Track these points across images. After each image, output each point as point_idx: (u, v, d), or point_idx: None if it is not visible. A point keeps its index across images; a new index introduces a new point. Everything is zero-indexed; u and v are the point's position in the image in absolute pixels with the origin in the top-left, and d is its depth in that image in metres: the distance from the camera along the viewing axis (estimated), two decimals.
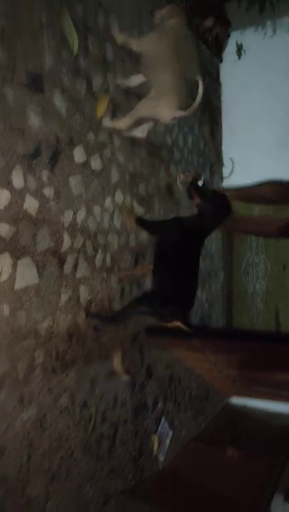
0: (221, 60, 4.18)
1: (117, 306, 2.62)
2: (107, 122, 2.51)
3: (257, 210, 4.13)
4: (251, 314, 5.48)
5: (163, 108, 2.42)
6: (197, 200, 2.37)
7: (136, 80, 2.66)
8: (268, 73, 4.05)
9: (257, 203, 3.91)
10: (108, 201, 2.52)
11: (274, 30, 4.03)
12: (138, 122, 2.60)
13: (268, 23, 4.03)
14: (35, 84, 1.99)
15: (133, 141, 2.82)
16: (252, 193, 3.42)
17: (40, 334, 2.02)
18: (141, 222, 2.63)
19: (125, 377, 2.66)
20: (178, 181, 3.35)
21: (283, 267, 6.73)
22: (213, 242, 4.08)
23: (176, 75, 2.42)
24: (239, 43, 4.16)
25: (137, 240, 2.81)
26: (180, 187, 3.37)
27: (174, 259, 2.32)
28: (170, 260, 2.32)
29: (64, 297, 2.16)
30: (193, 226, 2.38)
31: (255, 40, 4.14)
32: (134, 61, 2.76)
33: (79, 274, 2.27)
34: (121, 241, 2.65)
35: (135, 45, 2.56)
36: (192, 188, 2.41)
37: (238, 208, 4.30)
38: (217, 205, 2.37)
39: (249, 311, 5.43)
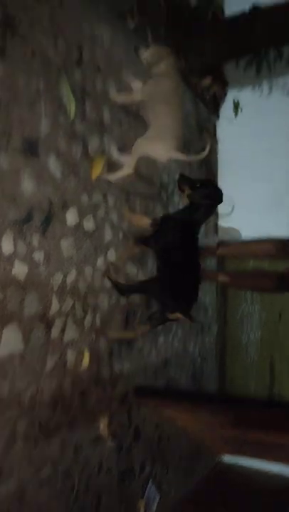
0: (218, 117, 4.26)
1: (106, 366, 2.56)
2: (111, 176, 2.56)
3: (252, 263, 4.14)
4: (245, 365, 5.40)
5: (160, 147, 2.49)
6: (188, 192, 2.46)
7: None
8: (264, 131, 4.13)
9: (255, 259, 3.91)
10: (100, 261, 2.51)
11: (270, 89, 4.14)
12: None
13: (265, 82, 4.13)
14: (31, 149, 2.01)
15: (128, 199, 2.83)
16: (252, 250, 3.42)
17: (24, 403, 1.96)
18: (140, 241, 2.67)
19: (111, 443, 2.57)
20: None
21: (279, 316, 6.70)
22: (208, 295, 4.05)
23: (173, 115, 2.50)
24: (236, 100, 4.26)
25: (128, 298, 2.78)
26: None
27: (175, 255, 2.42)
28: (171, 257, 2.43)
29: (50, 363, 2.11)
30: (186, 218, 2.47)
31: (252, 98, 4.24)
32: (131, 121, 2.82)
33: (67, 338, 2.23)
34: (112, 300, 2.61)
35: (135, 96, 2.62)
36: (181, 180, 2.48)
37: (232, 262, 4.31)
38: (208, 193, 2.47)
39: (243, 361, 5.36)
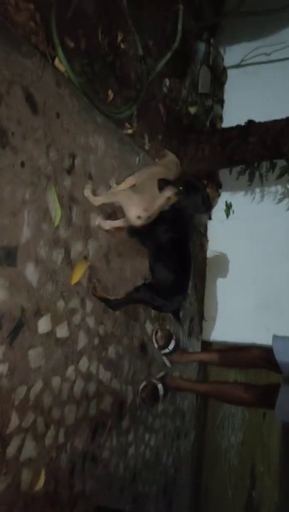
0: (210, 218, 4.32)
1: (65, 486, 2.37)
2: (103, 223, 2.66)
3: (234, 373, 4.02)
4: (224, 472, 5.09)
5: (133, 202, 2.43)
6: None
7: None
8: (254, 234, 4.18)
9: (241, 368, 3.80)
10: (70, 370, 2.39)
11: (262, 197, 4.23)
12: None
13: (257, 189, 4.23)
14: (7, 259, 1.97)
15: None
16: (235, 358, 3.32)
17: None
18: (132, 234, 2.59)
19: None
20: (153, 340, 3.26)
21: (263, 416, 6.42)
22: (186, 400, 3.87)
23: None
24: (228, 202, 4.34)
25: (98, 408, 2.64)
26: (156, 345, 3.28)
27: (167, 253, 2.46)
28: (164, 255, 2.47)
29: (1, 486, 1.94)
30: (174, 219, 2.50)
31: (245, 202, 4.32)
32: None
33: (23, 456, 2.07)
34: (79, 412, 2.47)
35: (132, 181, 2.64)
36: (162, 185, 2.43)
37: (214, 369, 4.19)
38: (188, 204, 2.51)
39: (222, 468, 5.06)
